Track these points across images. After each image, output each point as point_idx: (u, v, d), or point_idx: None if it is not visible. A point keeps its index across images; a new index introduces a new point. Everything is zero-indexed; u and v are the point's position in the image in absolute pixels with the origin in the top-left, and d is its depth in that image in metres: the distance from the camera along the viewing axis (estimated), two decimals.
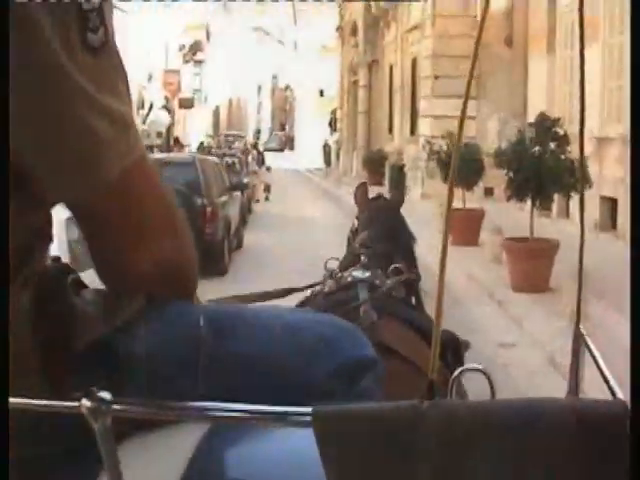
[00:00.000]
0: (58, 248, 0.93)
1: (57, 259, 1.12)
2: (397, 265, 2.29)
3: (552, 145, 9.56)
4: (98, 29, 0.93)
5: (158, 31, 34.23)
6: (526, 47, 19.55)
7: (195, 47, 44.94)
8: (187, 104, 41.11)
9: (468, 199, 13.10)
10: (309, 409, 0.79)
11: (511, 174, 9.73)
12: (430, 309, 2.30)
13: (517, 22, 20.18)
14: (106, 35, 0.95)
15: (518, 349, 7.78)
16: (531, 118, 11.92)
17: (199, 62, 46.62)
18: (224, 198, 13.98)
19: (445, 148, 13.81)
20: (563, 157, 9.40)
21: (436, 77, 22.39)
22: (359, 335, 1.23)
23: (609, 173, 13.08)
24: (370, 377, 1.16)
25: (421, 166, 21.28)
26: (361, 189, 2.83)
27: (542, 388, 6.06)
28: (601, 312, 7.51)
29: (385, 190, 16.84)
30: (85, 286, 1.09)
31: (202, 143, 32.32)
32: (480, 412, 0.78)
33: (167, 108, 34.34)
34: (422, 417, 0.76)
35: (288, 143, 77.46)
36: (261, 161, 31.25)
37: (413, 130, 26.21)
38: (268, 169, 30.70)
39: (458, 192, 12.42)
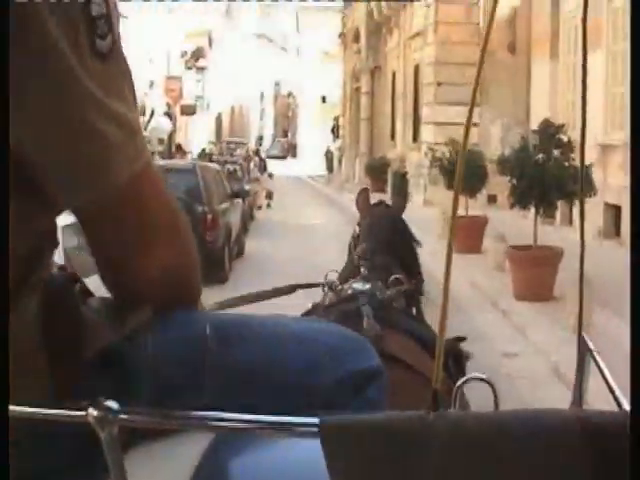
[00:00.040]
0: (56, 256, 0.95)
1: (63, 268, 1.12)
2: (397, 276, 2.29)
3: (556, 152, 9.54)
4: (106, 35, 0.95)
5: (159, 37, 34.26)
6: (529, 53, 19.56)
7: (197, 54, 44.94)
8: (189, 111, 41.09)
9: (471, 206, 13.09)
10: (315, 419, 0.79)
11: (514, 181, 9.70)
12: (430, 317, 2.30)
13: (520, 28, 20.18)
14: (114, 41, 0.96)
15: (521, 359, 7.73)
16: (534, 125, 11.91)
17: (201, 69, 46.63)
18: (225, 205, 13.94)
19: (448, 155, 13.81)
20: (567, 164, 9.36)
21: (439, 84, 22.42)
22: (366, 345, 1.23)
23: (613, 180, 13.07)
24: (375, 387, 1.16)
25: (423, 173, 21.32)
26: (363, 195, 2.83)
27: (546, 399, 5.99)
28: (605, 320, 7.48)
29: (388, 197, 16.82)
30: (91, 294, 1.09)
31: (204, 150, 32.29)
32: (487, 423, 0.78)
33: (169, 115, 34.35)
34: (429, 428, 0.76)
35: (290, 150, 77.44)
36: (263, 168, 31.25)
37: (415, 137, 26.23)
38: (270, 176, 30.69)
39: (461, 199, 12.39)
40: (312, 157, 58.80)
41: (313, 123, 71.35)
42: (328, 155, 49.41)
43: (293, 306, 2.18)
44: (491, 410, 0.89)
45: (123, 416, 0.83)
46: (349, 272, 2.42)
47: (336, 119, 49.94)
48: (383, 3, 30.25)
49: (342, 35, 43.32)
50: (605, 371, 0.96)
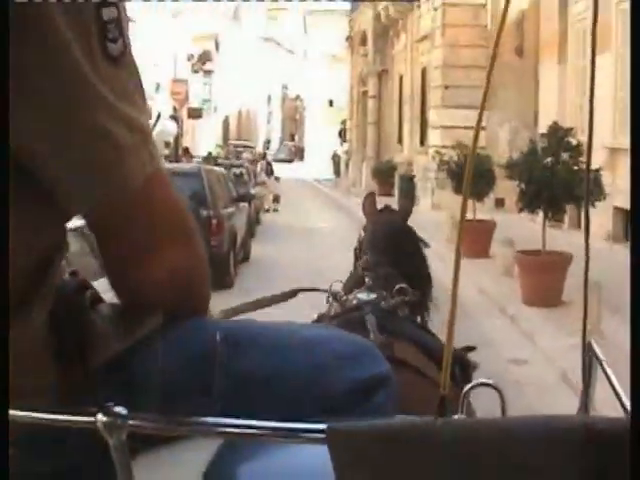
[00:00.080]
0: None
1: (74, 273, 1.13)
2: (402, 285, 2.29)
3: (564, 156, 9.50)
4: (118, 39, 0.95)
5: (166, 41, 34.34)
6: (537, 56, 19.54)
7: (204, 57, 45.02)
8: (196, 114, 41.18)
9: (479, 210, 13.06)
10: (322, 425, 0.79)
11: (523, 185, 9.66)
12: (438, 323, 2.29)
13: (528, 31, 20.18)
14: (125, 45, 0.97)
15: (530, 365, 7.68)
16: (542, 128, 11.89)
17: (208, 72, 46.71)
18: (230, 209, 13.88)
19: (455, 158, 13.80)
20: (576, 168, 9.30)
21: (446, 87, 22.40)
22: (375, 351, 1.23)
23: (622, 183, 13.04)
24: (384, 393, 1.17)
25: (431, 177, 21.31)
26: (369, 199, 2.83)
27: (555, 406, 5.92)
28: (615, 326, 7.39)
29: (395, 201, 16.81)
30: (102, 300, 1.10)
31: (210, 153, 32.33)
32: (493, 428, 0.78)
33: (175, 118, 34.38)
34: (436, 434, 0.76)
35: (298, 153, 77.44)
36: (270, 171, 31.27)
37: (423, 140, 26.21)
38: (277, 179, 30.71)
39: (469, 203, 12.37)
40: (319, 160, 58.85)
41: (320, 126, 71.37)
42: (335, 159, 49.44)
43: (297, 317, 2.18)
44: (498, 416, 0.89)
45: (132, 422, 0.83)
46: (354, 281, 2.42)
47: (343, 122, 49.94)
48: (390, 6, 30.25)
49: (349, 38, 43.31)
50: (611, 377, 0.96)
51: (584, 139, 10.10)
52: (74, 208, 1.01)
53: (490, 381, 0.93)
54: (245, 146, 45.87)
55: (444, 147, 17.66)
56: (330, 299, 2.33)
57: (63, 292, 1.04)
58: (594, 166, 8.86)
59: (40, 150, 0.93)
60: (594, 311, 7.27)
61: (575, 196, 9.25)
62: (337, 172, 45.78)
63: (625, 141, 13.08)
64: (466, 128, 18.18)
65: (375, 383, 1.16)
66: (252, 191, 19.36)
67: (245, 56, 57.22)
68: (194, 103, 41.51)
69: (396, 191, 25.74)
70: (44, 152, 0.93)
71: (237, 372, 1.08)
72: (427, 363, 1.92)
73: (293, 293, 2.28)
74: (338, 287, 2.39)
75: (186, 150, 30.59)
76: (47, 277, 1.00)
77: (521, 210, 10.00)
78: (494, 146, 19.43)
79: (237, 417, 0.86)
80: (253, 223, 19.03)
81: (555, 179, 9.26)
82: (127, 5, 1.00)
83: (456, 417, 0.83)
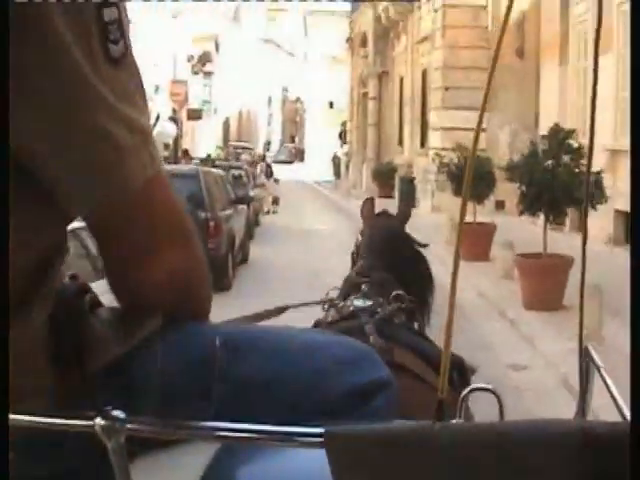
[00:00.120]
0: None
1: (74, 276, 1.13)
2: (399, 292, 2.29)
3: (565, 158, 9.44)
4: (119, 41, 0.96)
5: (165, 42, 34.32)
6: (538, 58, 19.53)
7: (204, 58, 44.99)
8: (195, 115, 41.11)
9: (479, 212, 13.05)
10: (320, 430, 0.79)
11: (523, 188, 9.62)
12: (436, 326, 2.29)
13: (529, 33, 20.18)
14: (126, 47, 0.97)
15: (530, 370, 7.62)
16: (543, 130, 11.87)
17: (208, 73, 46.69)
18: (228, 212, 13.82)
19: (455, 160, 13.79)
20: (577, 170, 9.25)
21: (446, 88, 22.41)
22: (374, 356, 1.23)
23: (622, 186, 13.04)
24: (383, 397, 1.17)
25: (431, 179, 21.32)
26: (367, 204, 2.83)
27: (554, 411, 5.83)
28: (615, 329, 7.37)
29: (395, 203, 16.84)
30: (101, 304, 1.10)
31: (209, 155, 32.30)
32: (491, 433, 0.78)
33: (174, 119, 34.34)
34: (434, 438, 0.76)
35: (298, 155, 77.43)
36: (269, 173, 31.26)
37: (423, 142, 26.23)
38: (276, 181, 30.71)
39: (469, 205, 12.34)
40: (319, 162, 58.89)
41: (320, 128, 71.43)
42: (335, 160, 49.47)
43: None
44: (496, 421, 0.89)
45: (130, 426, 0.83)
46: (349, 286, 2.41)
47: (343, 124, 49.99)
48: (391, 8, 30.28)
49: (349, 40, 43.35)
50: (608, 382, 0.96)
51: (585, 141, 10.09)
52: (74, 209, 1.01)
53: (488, 386, 0.93)
54: (244, 147, 45.84)
55: (444, 149, 17.67)
56: (326, 306, 2.33)
57: (63, 296, 1.04)
58: (595, 168, 8.84)
59: (40, 150, 0.93)
60: (595, 315, 7.23)
61: (576, 199, 9.18)
62: (337, 174, 45.81)
63: (626, 143, 13.07)
64: (466, 130, 18.20)
65: (374, 388, 1.16)
66: (251, 193, 19.32)
67: (245, 57, 57.21)
68: (194, 104, 41.44)
69: (396, 193, 25.75)
70: (44, 152, 0.93)
71: (236, 376, 1.08)
72: (425, 369, 1.92)
73: (280, 310, 2.26)
74: (334, 295, 2.39)
75: (185, 152, 30.58)
76: (47, 277, 1.01)
77: (521, 213, 9.96)
78: (494, 148, 19.44)
79: (236, 421, 0.86)
80: (252, 225, 19.00)
81: (556, 181, 9.21)
82: (127, 5, 1.00)
83: (454, 421, 0.83)
